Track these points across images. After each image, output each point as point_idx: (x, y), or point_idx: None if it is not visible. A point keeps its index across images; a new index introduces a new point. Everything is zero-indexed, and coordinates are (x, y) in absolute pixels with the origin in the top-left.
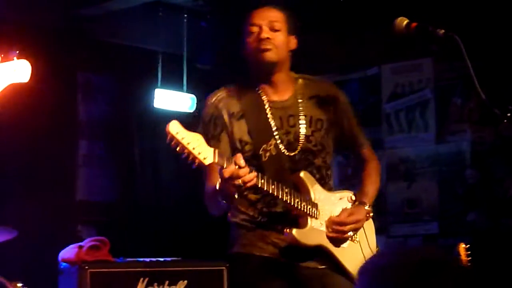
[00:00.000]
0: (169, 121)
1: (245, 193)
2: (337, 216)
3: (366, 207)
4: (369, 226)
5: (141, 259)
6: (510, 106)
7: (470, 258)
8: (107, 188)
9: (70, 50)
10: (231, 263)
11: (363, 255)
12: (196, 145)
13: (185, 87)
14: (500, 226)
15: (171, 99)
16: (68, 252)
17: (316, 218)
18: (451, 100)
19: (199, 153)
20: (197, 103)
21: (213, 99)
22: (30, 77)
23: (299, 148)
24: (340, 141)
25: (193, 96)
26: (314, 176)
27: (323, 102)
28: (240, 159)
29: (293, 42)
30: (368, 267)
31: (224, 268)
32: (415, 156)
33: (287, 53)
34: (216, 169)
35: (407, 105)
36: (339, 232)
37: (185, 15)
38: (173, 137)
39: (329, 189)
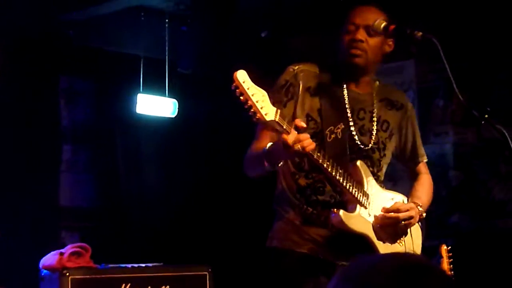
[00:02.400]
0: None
1: (299, 162)
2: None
3: (419, 208)
4: (417, 235)
5: (123, 265)
6: (488, 107)
7: (452, 260)
8: (90, 194)
9: (52, 55)
10: (270, 257)
11: None
12: (260, 100)
13: (167, 92)
14: (483, 228)
15: (153, 104)
16: (49, 259)
17: (365, 208)
18: (433, 102)
19: (261, 108)
20: (178, 108)
21: (296, 67)
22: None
23: (362, 140)
24: (400, 151)
25: (175, 100)
26: (369, 169)
27: (392, 106)
28: (300, 121)
29: (388, 45)
30: (351, 274)
31: (206, 273)
32: None
33: (379, 57)
34: (268, 133)
35: None
36: (392, 219)
37: (167, 20)
38: (239, 85)
39: (382, 186)
